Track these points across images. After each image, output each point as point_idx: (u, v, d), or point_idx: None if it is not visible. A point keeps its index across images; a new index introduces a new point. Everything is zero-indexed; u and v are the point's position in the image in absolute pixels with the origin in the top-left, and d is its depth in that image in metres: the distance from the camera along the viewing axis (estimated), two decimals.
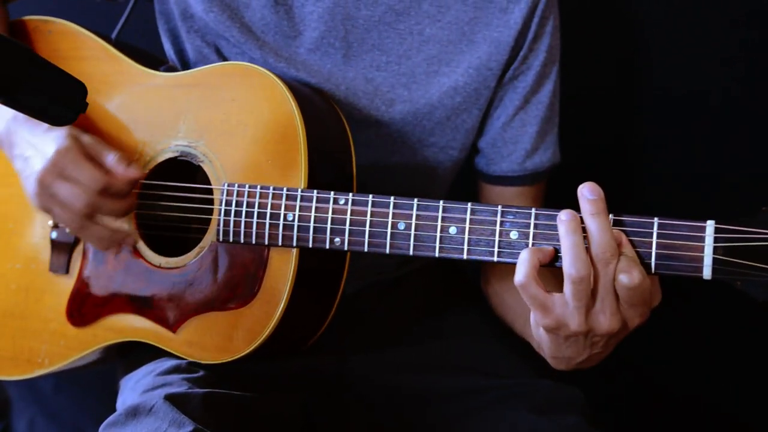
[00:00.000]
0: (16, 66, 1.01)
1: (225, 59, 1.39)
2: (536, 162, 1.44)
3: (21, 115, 1.30)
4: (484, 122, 1.44)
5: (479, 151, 1.47)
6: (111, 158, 1.28)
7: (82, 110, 1.08)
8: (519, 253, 1.09)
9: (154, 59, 1.46)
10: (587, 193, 1.07)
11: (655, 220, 1.06)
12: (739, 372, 1.77)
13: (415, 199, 1.16)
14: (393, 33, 1.37)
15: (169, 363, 1.29)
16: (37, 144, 1.28)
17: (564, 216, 1.08)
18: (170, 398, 1.16)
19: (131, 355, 1.38)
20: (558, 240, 1.08)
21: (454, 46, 1.38)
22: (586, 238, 1.06)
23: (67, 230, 1.37)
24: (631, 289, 1.05)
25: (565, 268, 1.06)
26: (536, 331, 1.13)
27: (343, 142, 1.31)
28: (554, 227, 1.09)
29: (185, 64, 1.44)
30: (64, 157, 1.25)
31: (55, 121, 1.08)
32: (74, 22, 1.44)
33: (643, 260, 1.06)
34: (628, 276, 1.04)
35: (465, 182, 1.50)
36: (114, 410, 1.29)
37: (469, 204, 1.13)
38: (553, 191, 1.49)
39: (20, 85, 1.02)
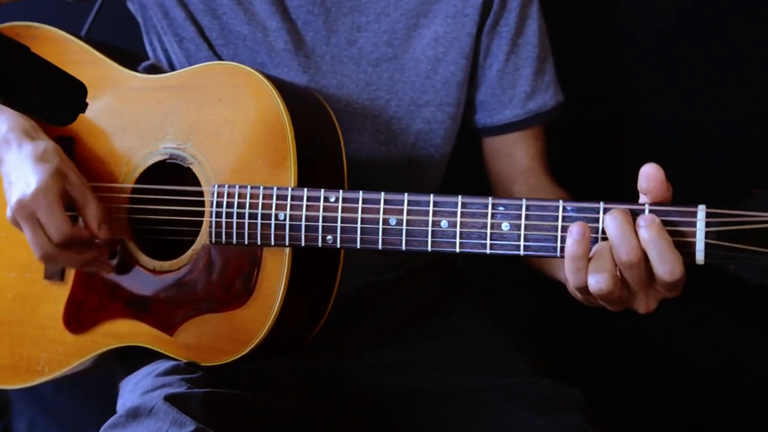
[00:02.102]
0: (16, 65, 1.00)
1: (208, 39, 1.39)
2: (539, 102, 1.48)
3: (14, 131, 1.30)
4: (477, 74, 1.47)
5: (480, 104, 1.49)
6: (90, 212, 1.27)
7: (82, 110, 1.08)
8: (511, 244, 1.10)
9: (136, 57, 1.45)
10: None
11: (646, 205, 1.05)
12: (741, 371, 1.76)
13: (406, 194, 1.15)
14: None
15: (168, 364, 1.29)
16: (24, 170, 1.26)
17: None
18: (170, 399, 1.17)
19: (131, 358, 1.38)
20: (550, 230, 1.08)
21: None
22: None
23: None
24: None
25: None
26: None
27: (332, 137, 1.30)
28: (546, 217, 1.09)
29: (168, 54, 1.44)
30: (40, 199, 1.23)
31: (54, 120, 1.08)
32: (51, 24, 1.43)
33: None
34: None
35: (460, 179, 1.49)
36: (114, 410, 1.30)
37: (460, 197, 1.13)
38: None
39: (20, 84, 1.01)
